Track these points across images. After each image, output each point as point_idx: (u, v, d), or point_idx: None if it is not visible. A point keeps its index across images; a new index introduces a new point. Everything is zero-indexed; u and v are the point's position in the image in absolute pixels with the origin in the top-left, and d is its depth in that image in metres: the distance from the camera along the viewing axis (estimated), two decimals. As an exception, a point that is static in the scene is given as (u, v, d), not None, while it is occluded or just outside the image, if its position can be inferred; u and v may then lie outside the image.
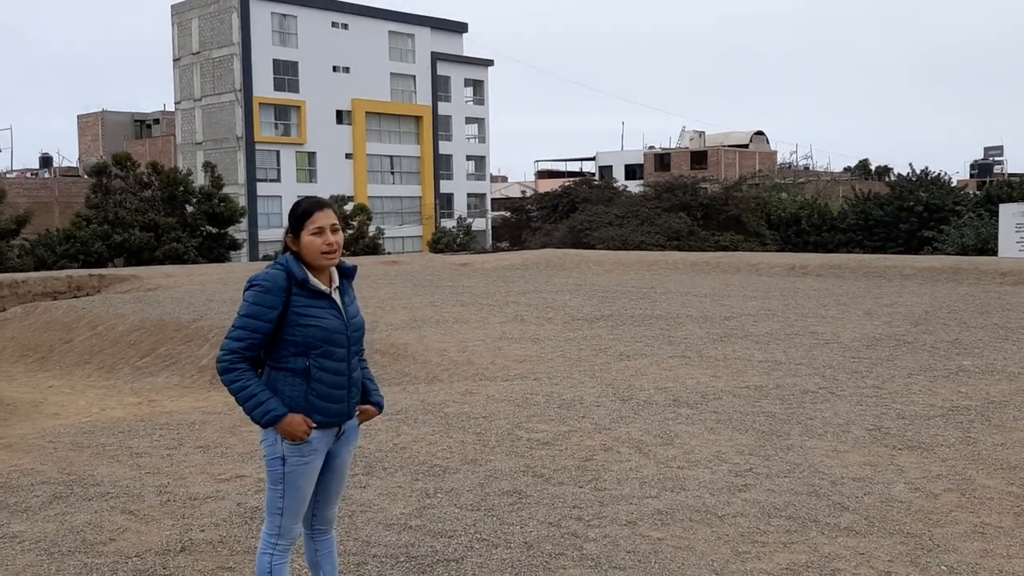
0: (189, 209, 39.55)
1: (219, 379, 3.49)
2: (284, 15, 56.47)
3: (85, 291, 21.27)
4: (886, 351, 10.67)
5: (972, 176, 79.74)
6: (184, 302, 16.86)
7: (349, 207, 44.04)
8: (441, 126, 64.24)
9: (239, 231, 44.44)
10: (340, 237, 3.51)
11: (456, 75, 65.53)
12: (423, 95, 63.07)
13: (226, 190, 42.78)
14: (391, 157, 62.11)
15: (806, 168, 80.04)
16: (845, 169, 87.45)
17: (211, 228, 39.93)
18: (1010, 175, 71.04)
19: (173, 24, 58.35)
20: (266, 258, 45.82)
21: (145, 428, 7.43)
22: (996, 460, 6.14)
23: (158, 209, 38.36)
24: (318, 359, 3.45)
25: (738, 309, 14.98)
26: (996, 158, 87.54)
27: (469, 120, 67.40)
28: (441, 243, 48.81)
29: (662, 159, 75.45)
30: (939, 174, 44.37)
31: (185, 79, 57.79)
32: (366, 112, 59.80)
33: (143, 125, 73.59)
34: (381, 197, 60.03)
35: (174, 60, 58.61)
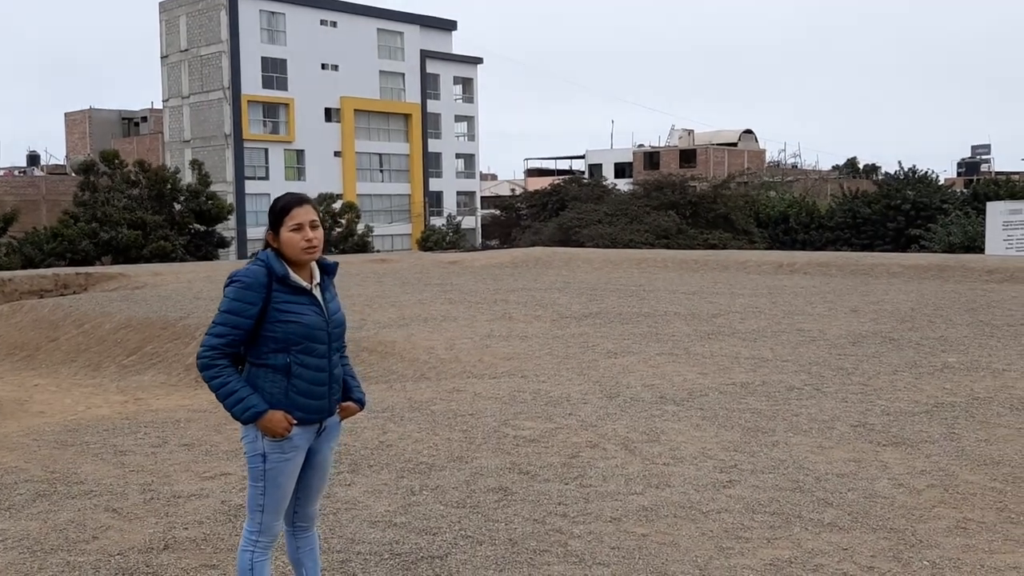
0: (177, 207, 39.41)
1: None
2: (272, 12, 56.29)
3: (72, 289, 21.17)
4: (872, 348, 10.71)
5: (959, 174, 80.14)
6: (171, 300, 16.81)
7: (338, 205, 43.95)
8: (430, 124, 64.15)
9: (227, 229, 44.30)
10: (320, 233, 3.50)
11: (445, 73, 65.45)
12: (412, 93, 62.98)
13: (214, 188, 42.66)
14: (380, 155, 62.00)
15: (794, 166, 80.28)
16: (833, 167, 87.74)
17: (199, 226, 39.80)
18: (997, 173, 71.39)
19: (161, 21, 58.10)
20: (254, 256, 45.69)
21: (130, 426, 7.40)
22: (979, 456, 6.17)
23: (146, 207, 38.21)
24: (299, 355, 3.44)
25: (725, 306, 15.01)
26: (983, 157, 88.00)
27: (458, 118, 67.33)
28: (430, 241, 48.76)
29: (651, 157, 75.56)
30: (926, 172, 44.60)
31: (173, 77, 57.56)
32: (355, 110, 59.68)
33: (131, 123, 73.30)
34: (370, 195, 59.93)
35: (162, 58, 58.37)
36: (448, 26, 66.47)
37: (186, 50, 56.47)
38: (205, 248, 39.80)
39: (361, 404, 3.77)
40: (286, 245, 3.46)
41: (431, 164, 64.21)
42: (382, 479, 5.92)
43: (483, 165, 76.78)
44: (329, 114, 59.04)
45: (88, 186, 38.32)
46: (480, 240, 60.01)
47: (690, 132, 79.53)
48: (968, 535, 4.81)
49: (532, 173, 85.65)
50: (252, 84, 55.35)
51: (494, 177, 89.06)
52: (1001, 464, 5.98)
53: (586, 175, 68.72)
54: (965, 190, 46.23)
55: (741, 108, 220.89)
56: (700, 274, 21.94)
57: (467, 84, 67.68)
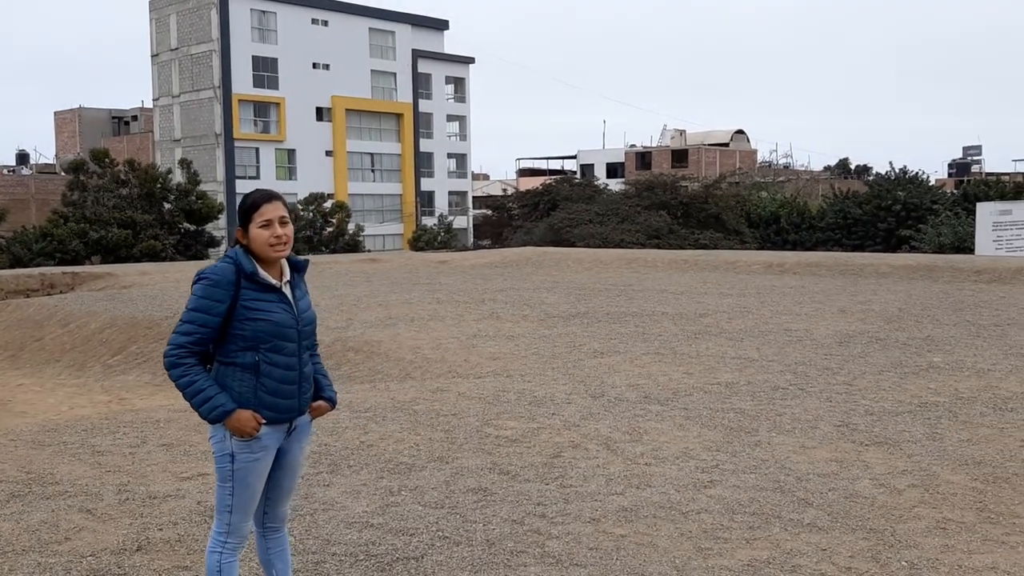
0: (167, 206, 39.26)
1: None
2: (263, 11, 56.16)
3: (59, 289, 21.06)
4: (858, 348, 10.70)
5: (950, 175, 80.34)
6: (157, 300, 16.73)
7: (328, 205, 43.84)
8: (422, 124, 64.08)
9: (217, 229, 44.17)
10: (290, 230, 3.46)
11: (437, 72, 65.38)
12: (404, 92, 62.90)
13: (205, 187, 42.53)
14: (371, 155, 61.90)
15: (786, 167, 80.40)
16: (825, 168, 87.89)
17: (189, 225, 39.67)
18: (987, 174, 71.57)
19: (151, 20, 57.91)
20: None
21: (109, 426, 7.33)
22: (961, 456, 6.16)
23: (135, 206, 38.06)
24: (267, 354, 3.40)
25: (713, 306, 15.00)
26: (975, 157, 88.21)
27: (450, 118, 67.27)
28: (421, 241, 48.66)
29: (643, 157, 75.62)
30: (917, 173, 44.70)
31: (163, 75, 57.39)
32: (346, 109, 59.57)
33: (121, 122, 73.06)
34: (361, 195, 59.83)
35: (152, 56, 58.19)
36: (440, 25, 66.41)
37: (176, 49, 56.30)
38: (195, 247, 39.65)
39: (332, 403, 3.72)
40: (255, 242, 3.42)
41: (423, 164, 64.14)
42: (361, 479, 5.87)
43: (475, 165, 76.81)
44: (320, 113, 58.93)
45: (77, 185, 38.15)
46: (472, 240, 59.95)
47: (682, 132, 79.65)
48: (947, 535, 4.78)
49: (524, 173, 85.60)
50: (243, 83, 55.21)
51: (486, 177, 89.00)
52: (982, 464, 5.96)
53: (578, 175, 68.72)
54: (955, 191, 46.34)
55: (734, 108, 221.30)
56: (690, 274, 21.93)
57: (459, 84, 67.63)
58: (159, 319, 14.13)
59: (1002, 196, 38.63)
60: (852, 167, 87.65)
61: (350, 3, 60.18)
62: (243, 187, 54.83)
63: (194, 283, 3.41)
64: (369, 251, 45.79)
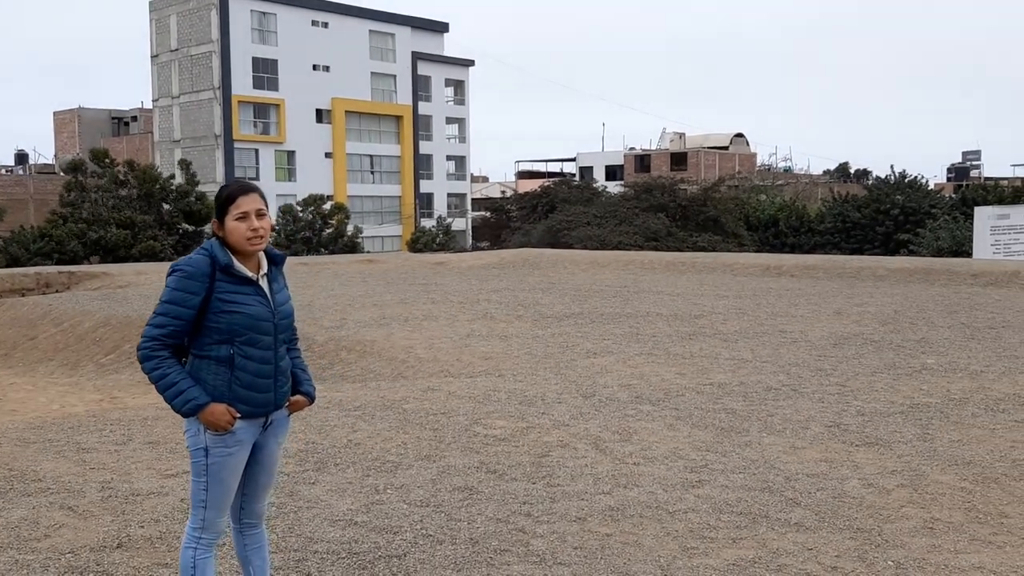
0: (166, 207, 39.23)
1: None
2: (263, 13, 56.14)
3: (54, 288, 21.01)
4: (852, 349, 10.66)
5: (949, 180, 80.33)
6: (152, 299, 16.65)
7: (328, 206, 43.80)
8: (421, 126, 64.04)
9: (216, 229, 43.99)
10: (267, 223, 3.42)
11: (437, 75, 65.35)
12: (403, 95, 62.87)
13: (204, 188, 42.45)
14: (371, 156, 61.86)
15: (787, 170, 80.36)
16: (824, 172, 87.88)
17: (188, 226, 39.63)
18: (986, 179, 71.57)
19: (151, 20, 57.89)
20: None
21: (95, 423, 7.29)
22: (951, 456, 6.12)
23: (134, 207, 38.02)
24: (242, 347, 3.36)
25: (709, 308, 14.96)
26: (974, 163, 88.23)
27: (449, 120, 67.23)
28: (420, 243, 48.62)
29: (642, 160, 75.59)
30: (916, 178, 44.69)
31: (163, 76, 57.35)
32: (346, 111, 59.53)
33: (121, 122, 73.03)
34: (361, 196, 59.77)
35: (152, 57, 58.17)
36: (440, 28, 66.39)
37: (176, 50, 56.28)
38: (194, 248, 39.57)
39: (310, 398, 3.68)
40: (231, 234, 3.38)
41: (422, 166, 64.10)
42: (347, 477, 5.83)
43: (474, 167, 76.85)
44: (320, 115, 58.89)
45: (75, 186, 38.11)
46: (470, 242, 59.91)
47: (681, 135, 79.63)
48: (935, 535, 4.74)
49: (523, 175, 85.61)
50: (243, 84, 55.18)
51: (485, 179, 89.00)
52: (972, 464, 5.92)
53: (577, 177, 68.68)
54: (954, 195, 46.33)
55: (733, 112, 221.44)
56: (687, 276, 21.89)
57: (458, 86, 67.60)
58: (153, 318, 14.09)
59: (1000, 200, 38.60)
60: (852, 171, 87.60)
61: (350, 5, 60.17)
62: (242, 188, 54.70)
63: (168, 275, 3.37)
64: (368, 252, 45.75)
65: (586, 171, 75.94)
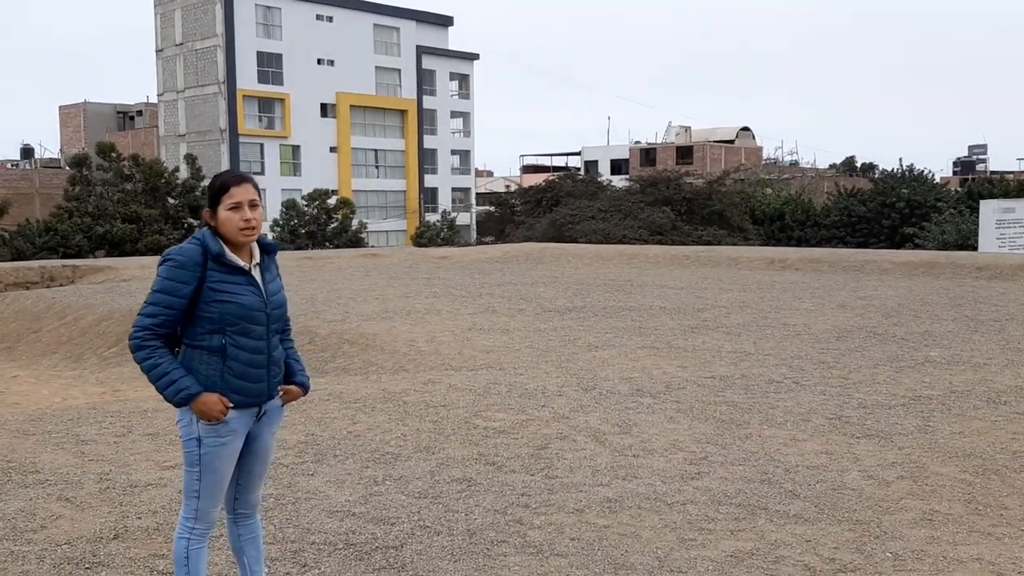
0: (171, 201, 39.28)
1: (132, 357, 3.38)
2: (268, 7, 56.14)
3: (59, 282, 21.05)
4: (855, 342, 10.62)
5: (955, 173, 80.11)
6: (156, 292, 16.69)
7: (332, 201, 43.81)
8: (426, 120, 64.02)
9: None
10: (259, 213, 3.41)
11: (441, 69, 65.30)
12: (408, 89, 62.84)
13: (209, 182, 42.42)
14: (376, 151, 61.87)
15: (793, 164, 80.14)
16: (830, 166, 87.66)
17: (193, 220, 39.66)
18: (992, 173, 71.35)
19: (156, 15, 57.92)
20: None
21: (95, 415, 7.29)
22: (952, 448, 6.09)
23: (140, 201, 38.07)
24: (235, 336, 3.34)
25: (712, 301, 14.92)
26: (980, 156, 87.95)
27: (454, 114, 67.21)
28: (425, 237, 48.60)
29: (648, 154, 75.47)
30: (922, 171, 44.55)
31: (168, 71, 57.40)
32: (351, 105, 59.54)
33: (126, 117, 73.13)
34: (365, 191, 59.81)
35: (157, 51, 58.20)
36: (444, 22, 66.33)
37: (181, 44, 56.31)
38: (196, 241, 39.58)
39: (304, 387, 3.67)
40: (223, 224, 3.36)
41: (427, 160, 64.08)
42: (346, 469, 5.82)
43: (479, 162, 76.72)
44: (325, 109, 58.90)
45: (80, 179, 38.16)
46: (475, 236, 59.90)
47: (687, 129, 79.49)
48: (934, 527, 4.72)
49: (528, 170, 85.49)
50: (247, 79, 55.21)
51: (490, 174, 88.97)
52: (972, 456, 5.89)
53: (582, 172, 68.59)
54: (960, 189, 46.17)
55: (739, 106, 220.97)
56: (691, 270, 21.85)
57: (463, 80, 67.54)
58: (156, 312, 14.10)
59: (1006, 194, 38.48)
60: (858, 165, 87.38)
61: (355, -1, 60.19)
62: (247, 182, 54.73)
63: (159, 264, 3.35)
64: (372, 247, 45.77)
65: (591, 165, 75.84)
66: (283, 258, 23.93)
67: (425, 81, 63.93)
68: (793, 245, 40.11)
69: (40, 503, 5.13)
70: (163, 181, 38.90)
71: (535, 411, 7.32)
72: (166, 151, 56.57)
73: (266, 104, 56.81)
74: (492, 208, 59.45)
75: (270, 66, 56.32)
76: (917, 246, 35.65)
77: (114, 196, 37.45)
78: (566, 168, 79.16)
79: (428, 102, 64.25)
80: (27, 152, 68.67)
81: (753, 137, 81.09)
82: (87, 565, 4.31)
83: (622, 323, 12.48)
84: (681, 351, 10.20)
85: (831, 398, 7.70)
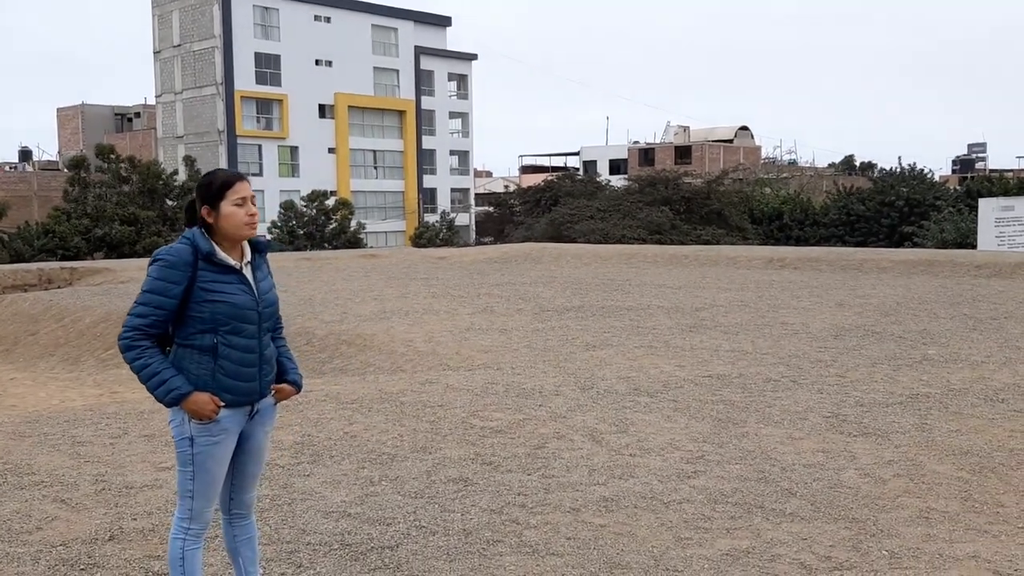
0: (169, 203, 39.26)
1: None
2: (266, 8, 56.10)
3: (56, 284, 21.03)
4: (853, 341, 10.62)
5: (954, 172, 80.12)
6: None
7: (331, 202, 43.80)
8: (424, 121, 63.97)
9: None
10: (256, 210, 3.41)
11: (440, 69, 65.26)
12: (406, 89, 62.80)
13: (207, 184, 42.35)
14: (374, 152, 61.82)
15: (792, 163, 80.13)
16: (829, 165, 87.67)
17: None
18: (991, 171, 71.36)
19: (154, 16, 57.88)
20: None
21: (91, 417, 7.29)
22: (949, 446, 6.08)
23: (138, 203, 38.05)
24: (226, 336, 3.33)
25: (710, 300, 14.92)
26: (980, 155, 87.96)
27: (453, 115, 67.16)
28: (424, 238, 48.59)
29: (646, 154, 75.47)
30: (921, 170, 44.56)
31: (166, 72, 57.36)
32: (349, 106, 59.50)
33: (124, 118, 73.08)
34: (364, 192, 59.76)
35: (154, 53, 58.16)
36: (442, 22, 66.29)
37: (179, 45, 56.27)
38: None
39: (297, 386, 3.66)
40: (228, 219, 3.34)
41: (425, 161, 64.04)
42: (342, 469, 5.82)
43: (477, 162, 76.68)
44: (323, 110, 58.86)
45: (78, 181, 38.14)
46: (474, 237, 59.88)
47: (686, 129, 79.48)
48: (930, 524, 4.71)
49: (527, 170, 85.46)
50: (245, 80, 55.16)
51: (488, 174, 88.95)
52: (969, 454, 5.88)
53: (581, 172, 68.57)
54: (959, 187, 46.17)
55: (738, 105, 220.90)
56: (689, 269, 21.85)
57: (462, 80, 67.50)
58: (153, 313, 14.09)
59: (1005, 192, 38.46)
60: (857, 163, 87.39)
61: None
62: (245, 184, 54.64)
63: (150, 264, 3.34)
64: (371, 247, 45.75)
65: (590, 165, 75.82)
66: (281, 259, 23.91)
67: (423, 81, 63.90)
68: (792, 244, 40.09)
69: (36, 504, 5.12)
70: (160, 183, 38.88)
71: (532, 411, 7.32)
72: (164, 153, 56.54)
73: (264, 105, 56.77)
74: (491, 208, 59.42)
75: (268, 67, 56.28)
76: (916, 245, 35.64)
77: (112, 198, 37.42)
78: (565, 168, 79.12)
79: (426, 102, 64.21)
80: (25, 154, 68.65)
81: (752, 136, 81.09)
82: (82, 567, 4.30)
83: (620, 322, 12.48)
84: (679, 350, 10.19)
85: (828, 396, 7.69)
